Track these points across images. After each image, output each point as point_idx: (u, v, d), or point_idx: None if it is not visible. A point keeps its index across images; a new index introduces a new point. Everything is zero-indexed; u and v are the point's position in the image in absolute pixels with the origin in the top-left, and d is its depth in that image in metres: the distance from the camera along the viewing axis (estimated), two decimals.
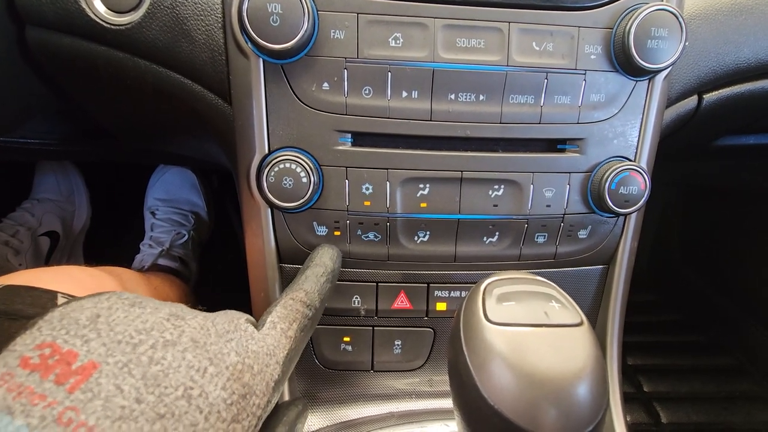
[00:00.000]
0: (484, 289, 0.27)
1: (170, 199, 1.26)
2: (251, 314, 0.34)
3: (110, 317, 0.25)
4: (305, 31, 0.39)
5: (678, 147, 0.70)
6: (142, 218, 1.25)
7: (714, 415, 1.10)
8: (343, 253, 0.48)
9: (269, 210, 0.46)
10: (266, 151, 0.44)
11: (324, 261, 0.42)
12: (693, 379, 1.18)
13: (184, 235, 1.20)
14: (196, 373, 0.24)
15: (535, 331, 0.24)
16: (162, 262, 1.13)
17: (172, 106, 0.49)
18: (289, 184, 0.43)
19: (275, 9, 0.38)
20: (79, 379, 0.22)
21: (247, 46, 0.41)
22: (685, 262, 1.46)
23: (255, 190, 0.44)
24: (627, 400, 1.14)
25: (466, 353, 0.25)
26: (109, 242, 1.33)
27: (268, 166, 0.43)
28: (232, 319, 0.30)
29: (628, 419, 0.55)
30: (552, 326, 0.25)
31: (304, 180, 0.43)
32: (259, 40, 0.39)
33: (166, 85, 0.45)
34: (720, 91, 0.55)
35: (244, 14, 0.39)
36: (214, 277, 1.29)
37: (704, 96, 0.55)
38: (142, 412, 0.21)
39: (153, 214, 1.23)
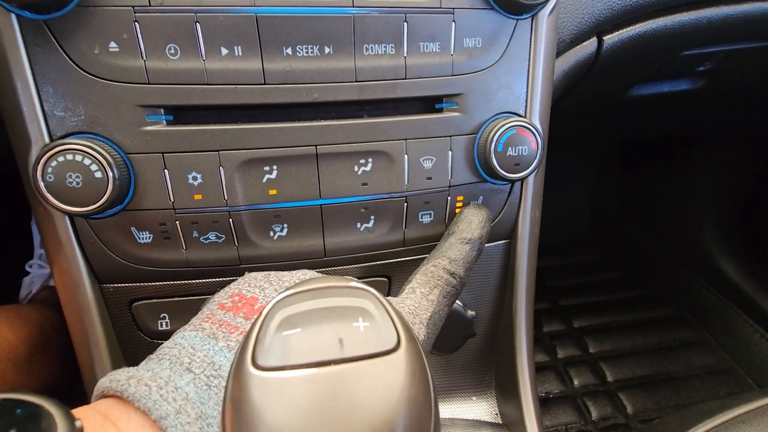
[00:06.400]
0: (267, 312, 0.19)
1: None
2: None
3: (279, 274, 0.33)
4: None
5: (588, 101, 0.65)
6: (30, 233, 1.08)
7: (656, 366, 1.12)
8: (180, 263, 0.38)
9: (67, 218, 0.35)
10: (46, 141, 0.33)
11: (471, 227, 0.39)
12: (636, 334, 1.20)
13: None
14: None
15: (315, 376, 0.16)
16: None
17: None
18: (77, 183, 0.32)
19: None
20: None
21: None
22: (624, 218, 1.47)
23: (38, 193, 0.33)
24: (574, 363, 1.14)
25: (227, 425, 0.17)
26: None
27: (41, 160, 0.32)
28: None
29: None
30: (344, 362, 0.16)
31: (98, 175, 0.32)
32: None
33: None
34: (621, 31, 0.49)
35: None
36: None
37: (604, 38, 0.48)
38: None
39: None
